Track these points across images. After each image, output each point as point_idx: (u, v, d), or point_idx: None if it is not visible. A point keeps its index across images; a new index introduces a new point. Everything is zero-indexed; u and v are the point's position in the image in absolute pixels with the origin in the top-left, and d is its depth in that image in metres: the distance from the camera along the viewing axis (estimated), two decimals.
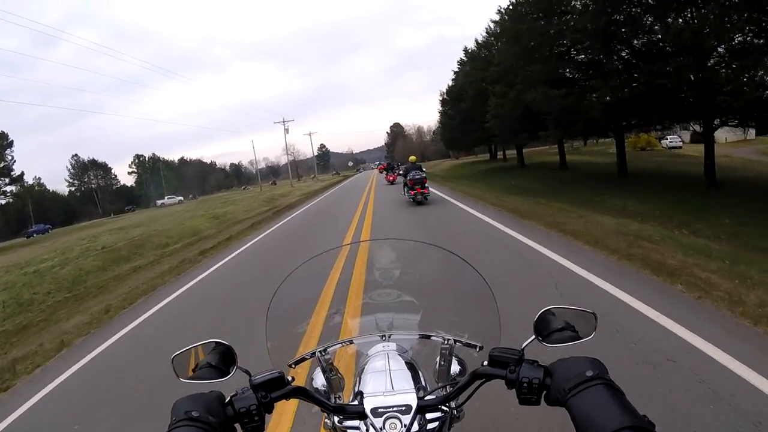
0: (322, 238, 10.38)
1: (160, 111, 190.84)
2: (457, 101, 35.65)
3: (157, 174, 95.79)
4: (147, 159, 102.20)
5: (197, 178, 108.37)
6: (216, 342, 0.96)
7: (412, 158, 15.37)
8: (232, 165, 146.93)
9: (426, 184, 12.96)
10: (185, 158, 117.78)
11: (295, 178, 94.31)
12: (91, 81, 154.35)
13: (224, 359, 0.94)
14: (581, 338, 0.91)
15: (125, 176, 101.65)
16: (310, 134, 74.08)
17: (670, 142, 40.45)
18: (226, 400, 0.80)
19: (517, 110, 17.37)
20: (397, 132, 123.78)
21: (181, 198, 74.73)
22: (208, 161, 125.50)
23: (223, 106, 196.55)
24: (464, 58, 39.03)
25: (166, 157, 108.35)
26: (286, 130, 47.83)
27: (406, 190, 14.04)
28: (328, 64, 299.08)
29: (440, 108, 44.59)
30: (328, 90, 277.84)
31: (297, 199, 29.60)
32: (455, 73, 40.04)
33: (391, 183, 25.65)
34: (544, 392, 0.77)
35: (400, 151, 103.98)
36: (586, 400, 0.65)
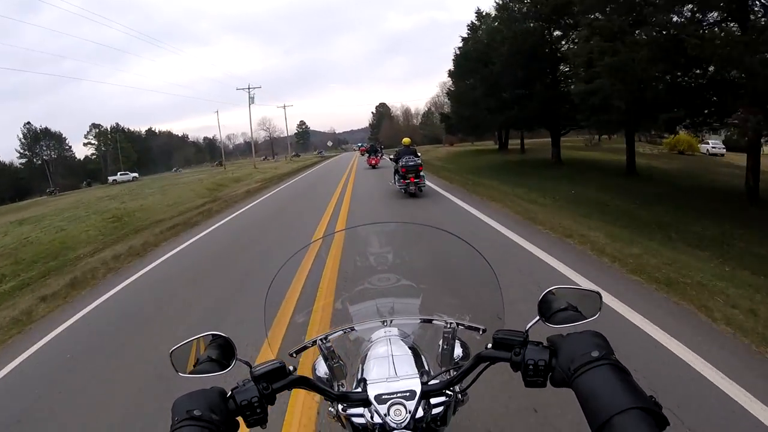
0: (268, 269, 5.38)
1: (137, 81, 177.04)
2: (480, 64, 24.14)
3: (117, 146, 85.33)
4: (110, 129, 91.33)
5: (163, 152, 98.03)
6: (214, 334, 0.91)
7: (406, 140, 12.32)
8: (206, 139, 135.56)
9: (421, 173, 10.78)
10: (153, 130, 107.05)
11: (266, 157, 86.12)
12: (62, 48, 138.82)
13: (224, 352, 0.89)
14: (586, 318, 0.87)
15: (86, 148, 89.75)
16: (284, 106, 64.19)
17: (712, 147, 33.58)
18: (228, 394, 0.77)
19: (656, 65, 8.66)
20: (383, 112, 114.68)
21: (135, 175, 66.09)
22: (180, 134, 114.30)
23: (204, 78, 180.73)
24: (475, 22, 31.40)
25: (132, 128, 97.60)
26: (251, 99, 38.87)
27: (397, 178, 11.48)
28: (313, 42, 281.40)
29: (451, 77, 35.30)
30: (313, 68, 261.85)
31: (254, 186, 22.10)
32: (464, 39, 32.19)
33: (373, 167, 22.71)
34: (550, 374, 0.74)
35: (385, 132, 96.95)
36: (591, 380, 0.63)
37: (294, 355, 1.06)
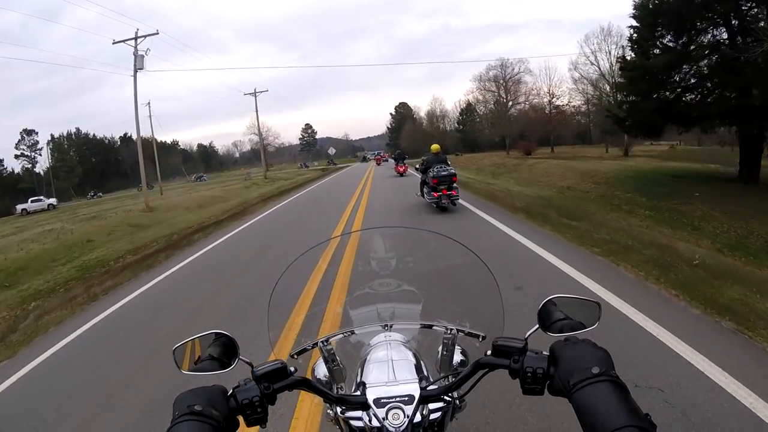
0: None
1: (149, 89, 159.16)
2: None
3: (50, 158, 65.19)
4: (66, 135, 71.80)
5: (135, 162, 78.16)
6: (217, 333, 0.89)
7: (435, 147, 10.56)
8: (200, 146, 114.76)
9: (455, 183, 9.21)
10: (129, 136, 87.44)
11: (239, 171, 64.06)
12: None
13: (226, 351, 0.88)
14: (585, 327, 0.86)
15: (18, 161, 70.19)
16: (255, 92, 41.64)
17: None
18: (229, 393, 0.76)
19: None
20: (404, 114, 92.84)
21: (53, 202, 45.58)
22: (169, 140, 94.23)
23: (221, 85, 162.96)
24: None
25: (100, 135, 77.97)
26: (141, 57, 17.70)
27: (426, 190, 9.84)
28: (327, 48, 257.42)
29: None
30: (327, 75, 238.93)
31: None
32: None
33: (401, 175, 21.50)
34: (548, 382, 0.74)
35: (407, 136, 75.55)
36: (590, 396, 0.64)
37: (295, 356, 1.04)
